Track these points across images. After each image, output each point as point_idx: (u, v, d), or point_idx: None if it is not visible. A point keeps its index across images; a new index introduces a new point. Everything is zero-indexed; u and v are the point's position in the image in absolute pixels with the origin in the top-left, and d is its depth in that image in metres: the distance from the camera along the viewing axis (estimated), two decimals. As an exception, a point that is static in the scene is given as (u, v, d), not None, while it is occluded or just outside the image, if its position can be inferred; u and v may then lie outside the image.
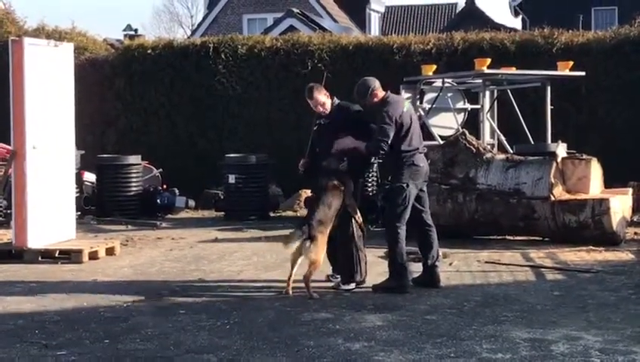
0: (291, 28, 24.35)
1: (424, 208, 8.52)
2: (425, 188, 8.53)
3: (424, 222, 8.52)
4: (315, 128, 8.73)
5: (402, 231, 8.23)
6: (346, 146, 8.27)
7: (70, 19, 44.07)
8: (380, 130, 8.16)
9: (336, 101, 8.60)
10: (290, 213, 14.88)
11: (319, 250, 8.04)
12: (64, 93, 10.80)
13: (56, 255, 10.20)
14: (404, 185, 8.20)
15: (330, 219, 8.14)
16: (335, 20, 31.66)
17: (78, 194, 12.67)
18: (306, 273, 8.01)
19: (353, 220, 8.35)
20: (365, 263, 8.49)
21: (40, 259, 10.09)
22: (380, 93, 8.41)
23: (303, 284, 8.09)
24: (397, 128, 8.19)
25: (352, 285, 8.36)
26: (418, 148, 8.35)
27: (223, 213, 14.55)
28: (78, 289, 8.53)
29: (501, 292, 8.19)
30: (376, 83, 8.43)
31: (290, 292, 8.10)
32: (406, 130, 8.25)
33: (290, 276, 8.13)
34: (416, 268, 8.67)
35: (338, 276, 8.49)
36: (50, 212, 10.41)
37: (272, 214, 14.63)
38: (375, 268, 8.88)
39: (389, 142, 8.15)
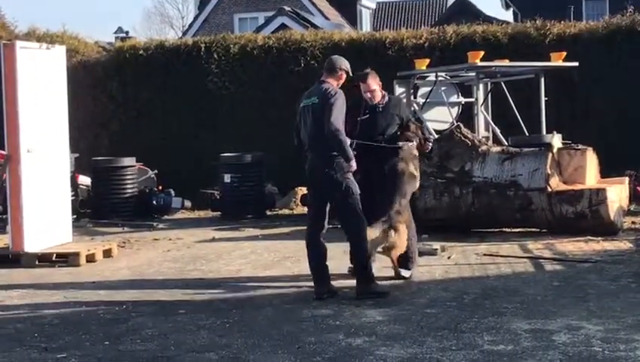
0: (283, 26, 24.29)
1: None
2: (314, 193, 8.19)
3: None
4: (366, 115, 8.54)
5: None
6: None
7: (61, 23, 44.06)
8: None
9: (385, 93, 8.69)
10: (286, 211, 14.87)
11: (402, 238, 8.18)
12: (57, 96, 10.77)
13: (54, 258, 10.18)
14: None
15: (406, 206, 8.30)
16: (326, 17, 31.60)
17: (73, 198, 12.62)
18: (392, 254, 8.24)
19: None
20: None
21: (37, 263, 10.06)
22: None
23: (301, 283, 8.23)
24: None
25: (409, 272, 8.48)
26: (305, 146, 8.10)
27: (219, 212, 14.53)
28: (76, 292, 8.51)
29: (500, 284, 8.19)
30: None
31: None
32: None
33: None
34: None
35: None
36: (46, 216, 10.38)
37: (268, 213, 14.61)
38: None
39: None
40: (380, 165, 8.36)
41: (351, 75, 8.26)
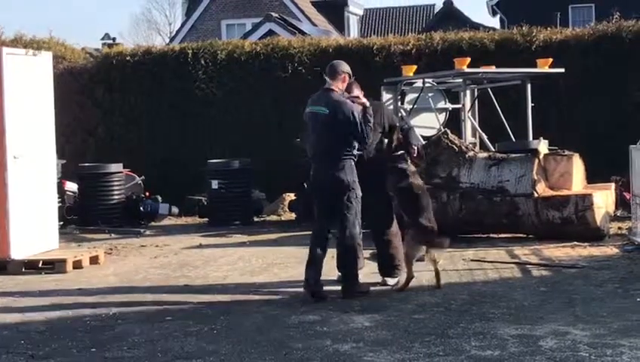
0: (270, 32, 24.32)
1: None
2: (320, 203, 8.22)
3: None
4: None
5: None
6: None
7: (48, 29, 43.95)
8: None
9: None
10: (274, 218, 14.86)
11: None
12: (44, 102, 10.74)
13: (40, 265, 10.14)
14: None
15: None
16: (314, 24, 31.65)
17: (60, 204, 12.58)
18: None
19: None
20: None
21: (23, 269, 10.03)
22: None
23: (288, 289, 8.28)
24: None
25: (396, 279, 8.50)
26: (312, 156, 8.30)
27: (206, 219, 14.51)
28: (62, 298, 8.48)
29: (488, 290, 8.20)
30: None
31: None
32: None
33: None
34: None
35: None
36: (33, 222, 10.34)
37: (255, 219, 14.60)
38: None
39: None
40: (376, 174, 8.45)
41: (352, 78, 8.40)
